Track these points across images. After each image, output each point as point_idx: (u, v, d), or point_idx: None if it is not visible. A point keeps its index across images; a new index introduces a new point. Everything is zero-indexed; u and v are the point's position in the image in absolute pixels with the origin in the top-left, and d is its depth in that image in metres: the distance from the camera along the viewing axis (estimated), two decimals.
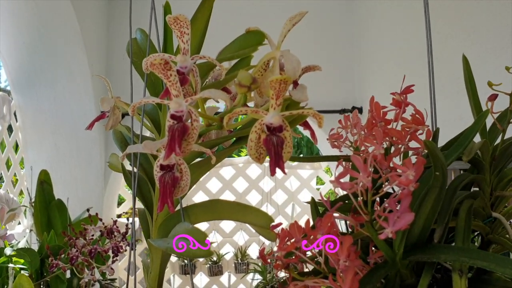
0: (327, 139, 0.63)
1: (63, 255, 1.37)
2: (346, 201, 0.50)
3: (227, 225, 3.61)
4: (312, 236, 0.43)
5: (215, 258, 3.45)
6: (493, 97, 0.51)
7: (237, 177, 3.56)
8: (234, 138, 0.56)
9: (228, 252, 3.54)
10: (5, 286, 1.69)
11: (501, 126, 0.53)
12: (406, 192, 0.41)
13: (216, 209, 0.52)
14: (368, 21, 2.74)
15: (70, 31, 2.52)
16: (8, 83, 2.83)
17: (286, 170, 0.45)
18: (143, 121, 0.65)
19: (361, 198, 0.42)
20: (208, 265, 3.40)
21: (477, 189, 0.54)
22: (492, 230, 0.54)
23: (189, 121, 0.41)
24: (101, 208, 2.88)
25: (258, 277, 3.18)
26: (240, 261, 3.42)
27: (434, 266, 0.44)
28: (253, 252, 3.56)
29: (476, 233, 0.57)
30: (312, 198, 0.53)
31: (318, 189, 3.70)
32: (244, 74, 0.40)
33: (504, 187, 0.54)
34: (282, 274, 3.36)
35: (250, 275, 3.33)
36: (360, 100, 2.90)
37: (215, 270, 3.41)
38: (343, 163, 0.64)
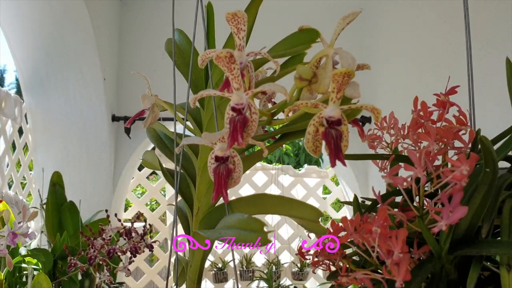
0: (363, 140, 0.65)
1: (80, 255, 1.37)
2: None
3: None
4: (364, 229, 0.44)
5: (220, 265, 3.45)
6: None
7: (243, 184, 3.56)
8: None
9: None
10: (18, 286, 1.70)
11: None
12: (459, 187, 0.42)
13: (261, 203, 0.53)
14: (379, 30, 2.76)
15: (83, 35, 2.55)
16: (12, 86, 2.86)
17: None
18: (179, 121, 0.66)
19: (414, 192, 0.43)
20: (213, 272, 3.40)
21: None
22: None
23: (248, 113, 0.43)
24: (109, 212, 2.88)
25: (263, 284, 3.18)
26: (245, 269, 3.41)
27: (482, 261, 0.45)
28: (258, 259, 3.56)
29: None
30: (355, 196, 0.54)
31: (324, 198, 3.70)
32: (305, 68, 0.42)
33: None
34: (288, 281, 3.34)
35: (255, 283, 3.32)
36: None
37: (220, 277, 3.41)
38: (379, 162, 0.65)
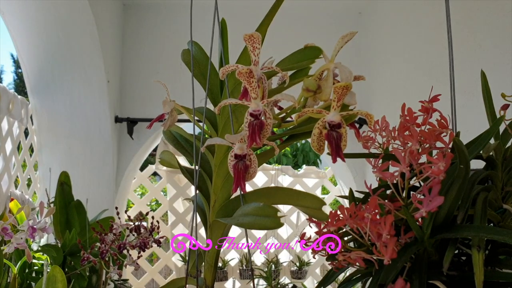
0: (359, 140, 0.73)
1: (92, 249, 1.45)
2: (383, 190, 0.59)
3: (233, 231, 3.70)
4: (358, 215, 0.52)
5: (220, 264, 3.52)
6: (505, 107, 0.61)
7: None
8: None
9: (233, 258, 3.62)
10: (28, 281, 1.77)
11: None
12: (437, 181, 0.51)
13: (272, 195, 0.62)
14: (376, 35, 2.85)
15: (88, 38, 2.62)
16: (10, 87, 2.91)
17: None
18: (195, 124, 0.74)
19: (400, 185, 0.52)
20: None
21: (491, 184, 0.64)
22: (503, 219, 0.63)
23: (264, 118, 0.51)
24: (111, 212, 2.96)
25: (263, 282, 3.26)
26: (245, 267, 3.49)
27: (457, 243, 0.54)
28: (258, 258, 3.64)
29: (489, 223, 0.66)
30: (351, 189, 0.63)
31: (323, 198, 3.79)
32: (311, 81, 0.50)
33: None
34: (287, 280, 3.42)
35: (255, 281, 3.40)
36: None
37: (220, 275, 3.48)
38: (372, 160, 0.74)
